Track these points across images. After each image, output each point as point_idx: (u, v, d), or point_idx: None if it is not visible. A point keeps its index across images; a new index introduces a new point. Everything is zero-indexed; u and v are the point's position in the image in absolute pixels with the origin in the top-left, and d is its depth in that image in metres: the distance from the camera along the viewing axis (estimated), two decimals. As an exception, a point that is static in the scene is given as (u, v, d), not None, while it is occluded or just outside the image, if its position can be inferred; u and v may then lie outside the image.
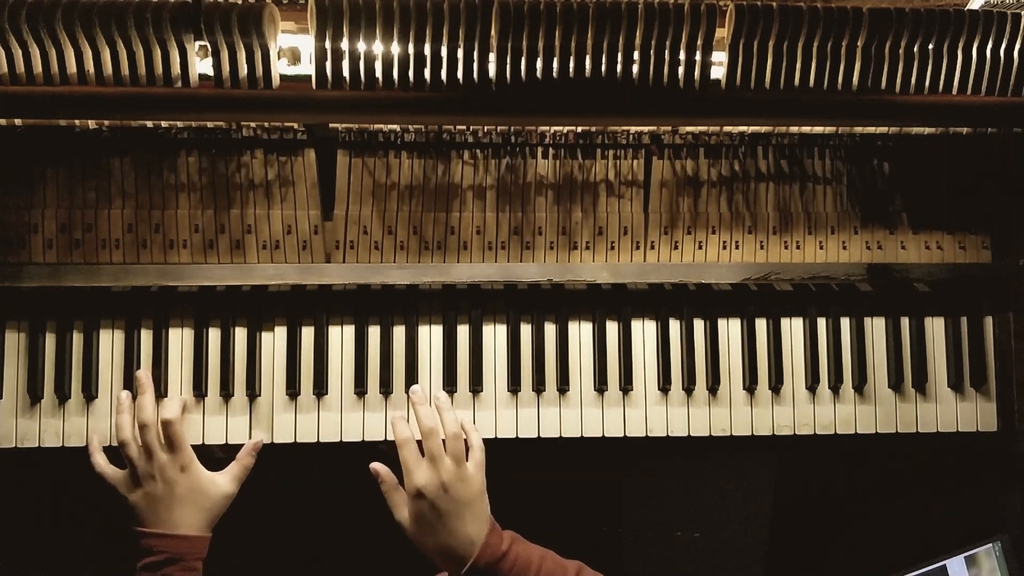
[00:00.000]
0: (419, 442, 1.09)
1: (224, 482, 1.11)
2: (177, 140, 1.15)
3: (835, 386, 1.23)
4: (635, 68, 1.07)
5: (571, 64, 1.06)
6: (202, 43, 1.03)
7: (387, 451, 1.14)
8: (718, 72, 1.09)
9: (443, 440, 1.08)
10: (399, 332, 1.20)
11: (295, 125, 1.15)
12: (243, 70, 1.04)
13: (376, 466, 1.11)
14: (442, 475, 1.05)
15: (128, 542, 1.05)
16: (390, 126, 1.16)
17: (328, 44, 1.03)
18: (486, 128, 1.17)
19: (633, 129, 1.18)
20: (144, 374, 1.13)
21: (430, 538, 1.05)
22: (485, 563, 1.03)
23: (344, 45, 1.03)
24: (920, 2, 1.18)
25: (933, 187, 1.24)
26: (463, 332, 1.20)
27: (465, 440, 1.10)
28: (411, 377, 1.18)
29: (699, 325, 1.23)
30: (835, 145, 1.23)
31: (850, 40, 1.07)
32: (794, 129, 1.20)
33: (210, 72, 1.04)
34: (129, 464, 1.08)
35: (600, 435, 1.20)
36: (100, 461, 1.10)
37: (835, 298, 1.25)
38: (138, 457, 1.07)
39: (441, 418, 1.11)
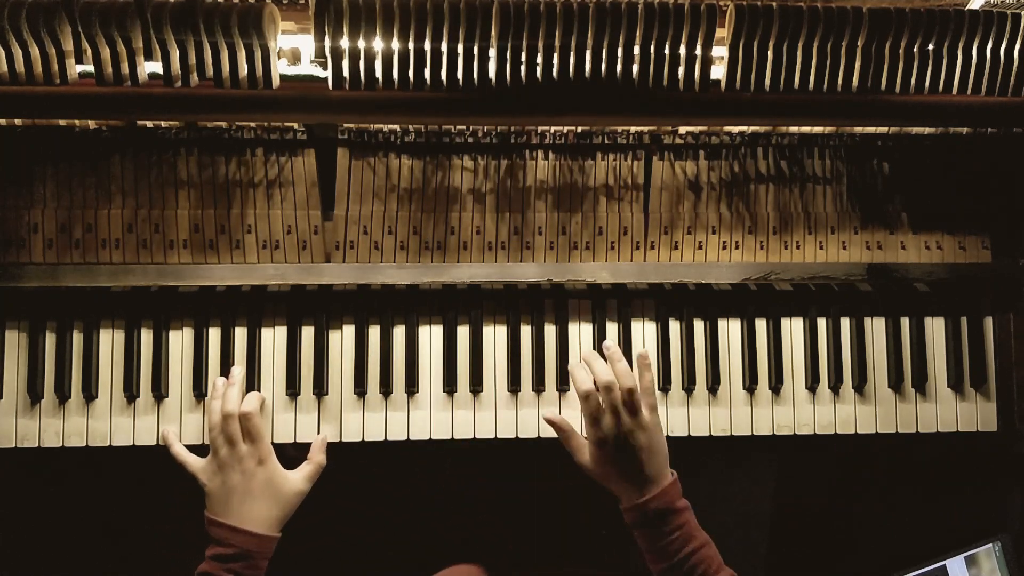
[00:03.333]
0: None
1: (298, 480, 1.11)
2: (177, 140, 1.15)
3: (835, 386, 1.23)
4: (635, 68, 1.07)
5: (571, 64, 1.06)
6: (201, 42, 1.03)
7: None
8: (718, 72, 1.09)
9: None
10: (399, 332, 1.19)
11: (295, 125, 1.15)
12: (243, 70, 1.04)
13: (551, 416, 1.14)
14: (622, 426, 1.08)
15: (202, 528, 1.07)
16: (390, 126, 1.16)
17: (328, 44, 1.03)
18: (486, 128, 1.17)
19: (633, 129, 1.18)
20: (239, 371, 1.14)
21: (612, 479, 1.09)
22: (656, 506, 1.05)
23: (344, 45, 1.03)
24: (920, 2, 1.18)
25: (933, 187, 1.24)
26: (463, 332, 1.20)
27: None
28: (411, 377, 1.18)
29: (699, 325, 1.23)
30: (835, 145, 1.23)
31: (850, 40, 1.07)
32: (794, 129, 1.20)
33: (210, 72, 1.04)
34: (213, 451, 1.09)
35: (600, 435, 1.20)
36: (179, 451, 1.11)
37: (835, 298, 1.25)
38: (222, 444, 1.08)
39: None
